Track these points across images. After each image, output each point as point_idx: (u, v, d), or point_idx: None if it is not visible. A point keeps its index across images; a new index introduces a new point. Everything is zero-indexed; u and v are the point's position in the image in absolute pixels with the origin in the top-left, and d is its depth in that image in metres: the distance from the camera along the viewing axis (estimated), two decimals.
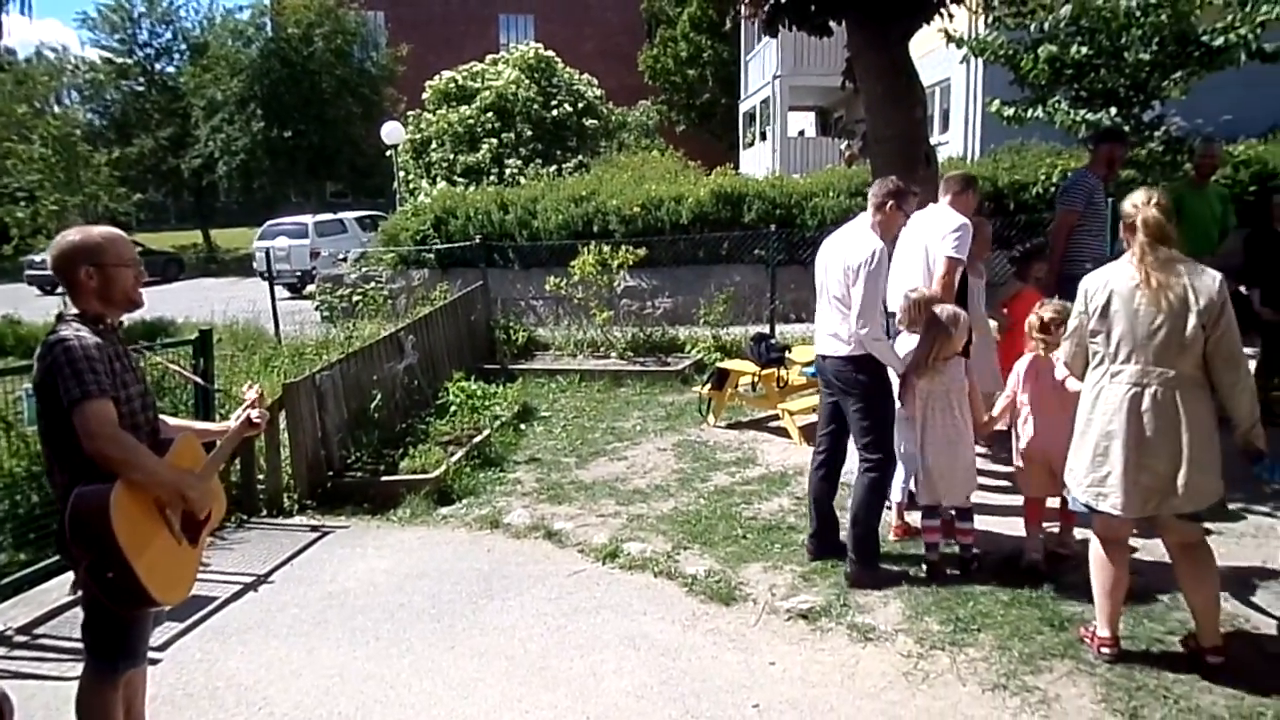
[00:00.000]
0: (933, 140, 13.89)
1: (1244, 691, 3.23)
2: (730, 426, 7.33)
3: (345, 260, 13.49)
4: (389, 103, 29.64)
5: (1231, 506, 4.73)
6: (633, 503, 5.65)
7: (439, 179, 20.79)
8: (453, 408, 7.47)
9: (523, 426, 7.60)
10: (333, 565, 4.96)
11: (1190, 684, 3.30)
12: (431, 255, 13.12)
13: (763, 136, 23.48)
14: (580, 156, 21.41)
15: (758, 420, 7.44)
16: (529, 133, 21.56)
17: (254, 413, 3.06)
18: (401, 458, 6.32)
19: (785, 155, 21.34)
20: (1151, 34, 7.95)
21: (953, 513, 4.35)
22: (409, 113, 23.31)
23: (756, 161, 23.25)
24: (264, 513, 5.84)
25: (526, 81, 22.16)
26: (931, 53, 10.26)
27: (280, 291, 14.64)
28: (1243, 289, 6.15)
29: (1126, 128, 8.25)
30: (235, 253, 30.92)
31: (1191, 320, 3.08)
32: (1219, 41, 7.86)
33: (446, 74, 22.75)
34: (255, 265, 20.52)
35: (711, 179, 13.56)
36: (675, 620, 4.07)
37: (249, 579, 4.80)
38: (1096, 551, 3.46)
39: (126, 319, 3.06)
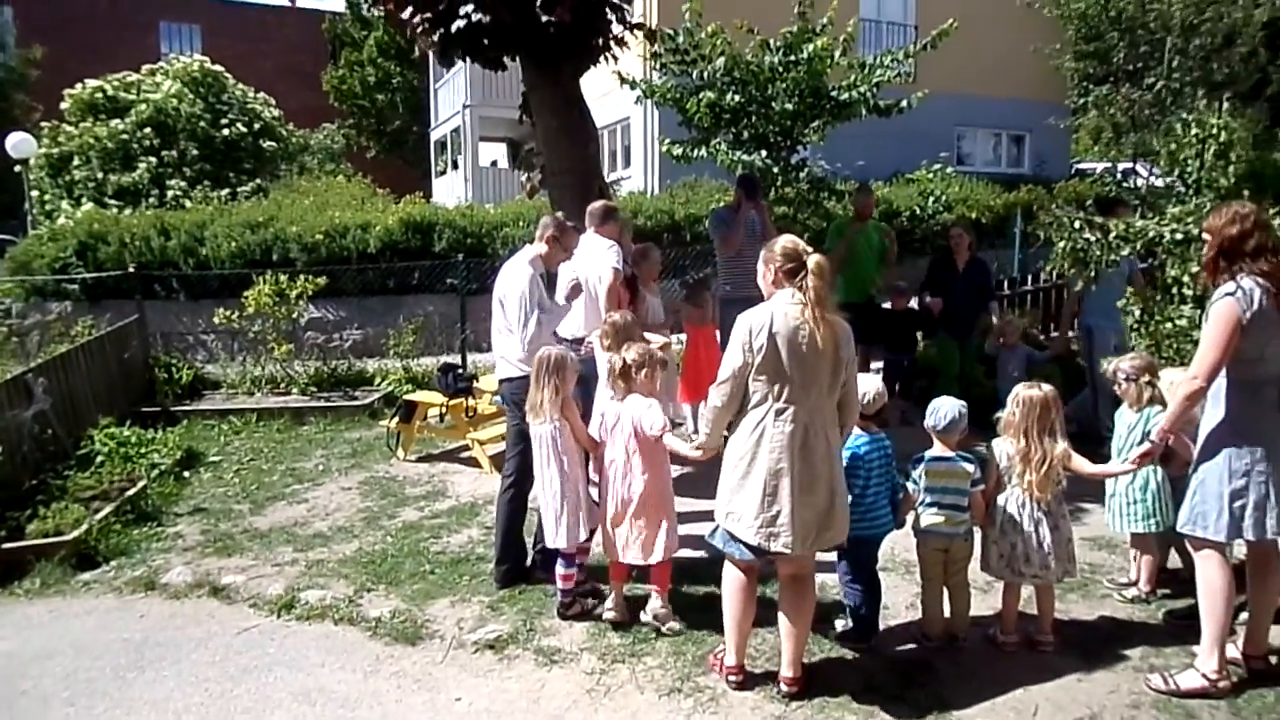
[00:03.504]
0: (615, 175, 14.52)
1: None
2: (421, 460, 7.15)
3: None
4: (19, 111, 25.74)
5: None
6: (313, 548, 5.31)
7: (84, 200, 18.35)
8: (99, 458, 6.62)
9: (187, 474, 6.88)
10: None
11: (846, 670, 3.70)
12: (75, 286, 11.54)
13: (454, 165, 23.34)
14: (257, 180, 19.93)
15: (449, 451, 7.33)
16: (195, 152, 19.69)
17: None
18: (29, 519, 5.45)
19: (478, 184, 21.38)
20: (792, 88, 8.99)
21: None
22: (44, 124, 20.37)
23: (449, 190, 23.05)
24: None
25: (191, 96, 20.23)
26: (611, 93, 10.81)
27: None
28: (928, 297, 7.48)
29: (776, 169, 9.23)
30: None
31: (843, 361, 3.30)
32: (845, 97, 9.09)
33: (92, 83, 20.18)
34: None
35: (401, 207, 13.29)
36: (356, 668, 3.87)
37: None
38: (732, 585, 3.50)
39: None
